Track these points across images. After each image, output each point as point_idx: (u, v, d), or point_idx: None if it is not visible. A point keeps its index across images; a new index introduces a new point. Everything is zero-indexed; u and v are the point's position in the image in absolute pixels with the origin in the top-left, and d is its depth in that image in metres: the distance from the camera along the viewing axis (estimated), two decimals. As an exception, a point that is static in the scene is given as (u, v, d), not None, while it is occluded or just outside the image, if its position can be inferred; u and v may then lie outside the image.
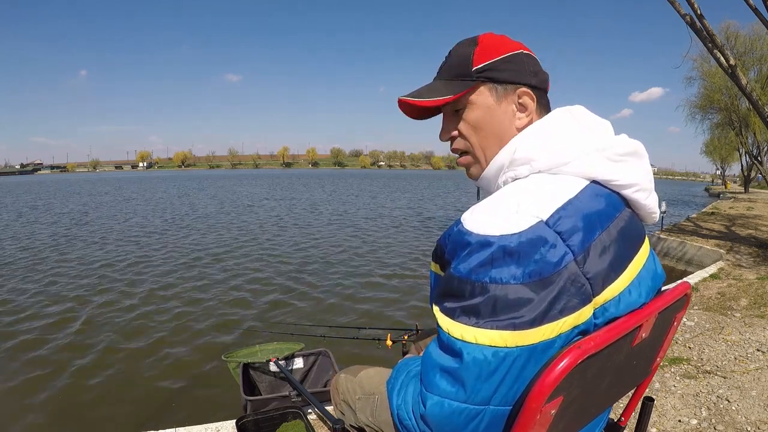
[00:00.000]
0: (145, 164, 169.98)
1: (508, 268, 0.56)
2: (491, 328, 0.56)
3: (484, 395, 0.57)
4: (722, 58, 6.48)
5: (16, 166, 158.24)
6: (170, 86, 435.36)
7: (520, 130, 0.74)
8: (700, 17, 6.29)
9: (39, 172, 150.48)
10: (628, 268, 0.64)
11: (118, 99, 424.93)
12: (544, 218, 0.58)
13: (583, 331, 0.60)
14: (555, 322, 0.56)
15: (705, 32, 6.39)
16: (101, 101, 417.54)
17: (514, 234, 0.57)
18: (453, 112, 0.78)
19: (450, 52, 0.79)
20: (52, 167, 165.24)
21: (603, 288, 0.60)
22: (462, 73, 0.75)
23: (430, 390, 0.60)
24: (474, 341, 0.56)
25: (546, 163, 0.67)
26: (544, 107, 0.77)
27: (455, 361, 0.58)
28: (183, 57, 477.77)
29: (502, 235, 0.57)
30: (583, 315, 0.59)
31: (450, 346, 0.59)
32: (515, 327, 0.55)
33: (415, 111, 0.81)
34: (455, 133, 0.79)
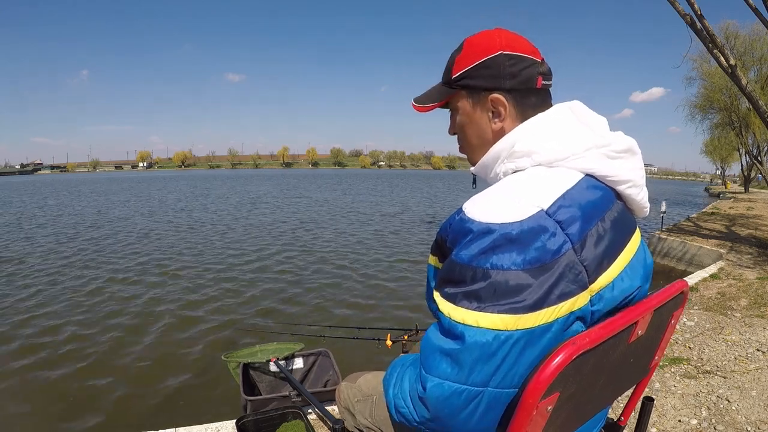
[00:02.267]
0: (145, 164, 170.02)
1: (510, 254, 0.58)
2: (492, 312, 0.57)
3: (483, 377, 0.59)
4: (722, 58, 6.49)
5: (16, 166, 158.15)
6: (171, 86, 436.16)
7: (495, 134, 0.77)
8: (700, 17, 6.30)
9: (39, 172, 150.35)
10: (620, 256, 0.67)
11: (118, 99, 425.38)
12: (545, 207, 0.61)
13: (580, 317, 0.61)
14: (553, 307, 0.58)
15: (705, 32, 6.39)
16: (102, 101, 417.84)
17: (516, 222, 0.59)
18: (452, 111, 0.84)
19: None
20: (52, 167, 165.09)
21: (598, 275, 0.62)
22: (446, 80, 0.81)
23: (430, 372, 0.61)
24: (475, 324, 0.58)
25: (547, 157, 0.69)
26: (533, 106, 0.76)
27: (456, 343, 0.59)
28: (184, 56, 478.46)
29: (503, 223, 0.59)
30: (580, 301, 0.60)
31: (451, 330, 0.60)
32: (515, 311, 0.57)
33: (422, 108, 0.88)
34: (453, 130, 0.86)
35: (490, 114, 0.77)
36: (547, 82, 0.77)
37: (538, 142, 0.70)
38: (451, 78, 0.79)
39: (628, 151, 0.72)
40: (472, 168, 0.85)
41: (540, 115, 0.75)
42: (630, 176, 0.71)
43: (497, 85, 0.75)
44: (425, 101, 0.84)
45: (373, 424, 0.99)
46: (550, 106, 0.78)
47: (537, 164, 0.70)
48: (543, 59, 0.78)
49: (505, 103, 0.75)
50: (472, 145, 0.82)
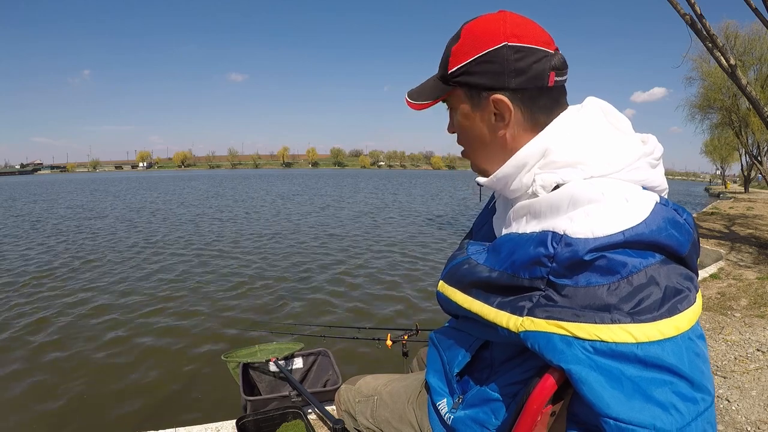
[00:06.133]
0: (145, 164, 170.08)
1: (650, 255, 0.53)
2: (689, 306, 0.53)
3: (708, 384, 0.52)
4: (722, 59, 6.49)
5: (16, 166, 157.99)
6: (173, 86, 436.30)
7: (501, 140, 0.67)
8: (700, 17, 6.29)
9: (39, 172, 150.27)
10: None
11: (120, 98, 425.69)
12: (657, 199, 0.58)
13: None
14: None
15: (705, 32, 6.39)
16: (103, 101, 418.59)
17: (645, 219, 0.54)
18: (450, 108, 0.74)
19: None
20: (52, 167, 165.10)
21: None
22: (442, 74, 0.70)
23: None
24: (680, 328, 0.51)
25: (599, 169, 0.60)
26: (544, 108, 0.66)
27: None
28: (186, 57, 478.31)
29: (632, 227, 0.53)
30: None
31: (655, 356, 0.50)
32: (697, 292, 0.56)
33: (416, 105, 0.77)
34: (453, 129, 0.75)
35: (493, 118, 0.66)
36: (560, 78, 0.65)
37: (584, 152, 0.61)
38: (447, 73, 0.68)
39: (661, 157, 0.67)
40: (480, 179, 0.73)
41: (571, 117, 0.65)
42: (665, 183, 0.66)
43: (501, 83, 0.64)
44: (418, 98, 0.72)
45: (374, 424, 0.99)
46: (566, 106, 0.68)
47: (589, 177, 0.60)
48: (557, 49, 0.65)
49: (510, 106, 0.64)
50: (476, 150, 0.72)
